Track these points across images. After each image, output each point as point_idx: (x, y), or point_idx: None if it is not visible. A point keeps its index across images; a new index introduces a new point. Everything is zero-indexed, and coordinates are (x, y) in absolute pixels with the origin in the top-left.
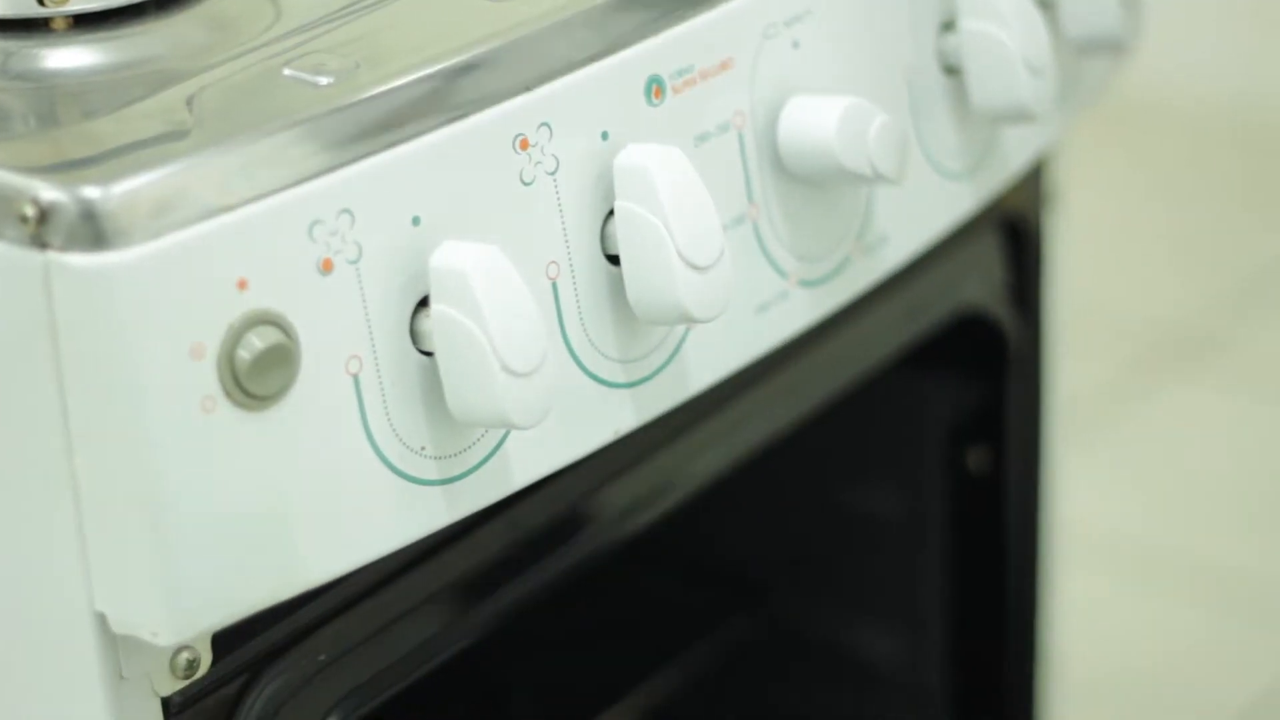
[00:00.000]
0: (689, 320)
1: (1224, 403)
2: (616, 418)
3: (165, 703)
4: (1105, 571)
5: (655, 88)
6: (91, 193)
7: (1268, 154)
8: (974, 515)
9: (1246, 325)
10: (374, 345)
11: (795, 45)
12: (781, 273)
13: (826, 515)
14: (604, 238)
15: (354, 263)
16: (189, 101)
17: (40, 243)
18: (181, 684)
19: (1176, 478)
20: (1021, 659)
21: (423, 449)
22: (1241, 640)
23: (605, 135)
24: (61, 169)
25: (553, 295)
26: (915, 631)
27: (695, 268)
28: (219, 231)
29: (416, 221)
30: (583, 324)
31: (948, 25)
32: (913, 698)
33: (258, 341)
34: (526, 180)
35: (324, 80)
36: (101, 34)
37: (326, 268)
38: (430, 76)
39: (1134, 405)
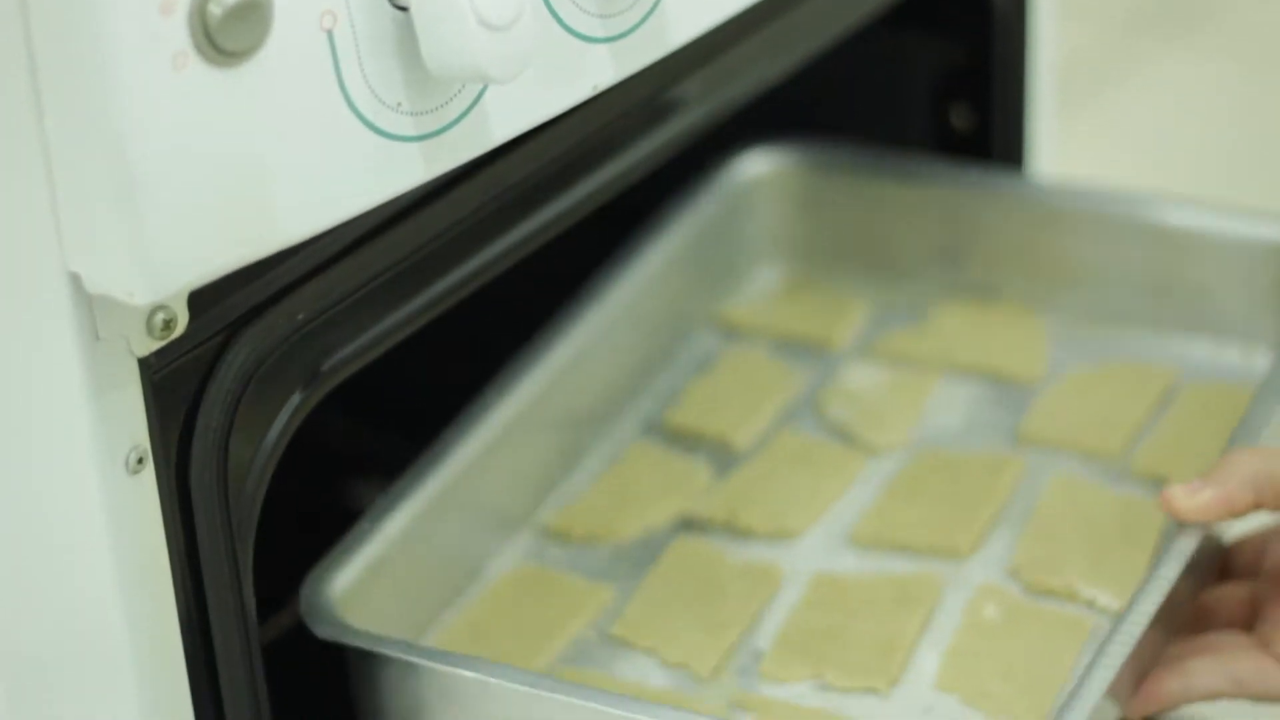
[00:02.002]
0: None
1: (1208, 68)
2: (595, 73)
3: (142, 364)
4: None
5: None
6: None
7: None
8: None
9: None
10: (348, 0)
11: None
12: None
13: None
14: None
15: None
16: None
17: None
18: (158, 344)
19: (1159, 141)
20: None
21: (399, 105)
22: None
23: None
24: None
25: None
26: None
27: None
28: None
29: None
30: None
31: None
32: None
33: None
34: None
35: None
36: None
37: None
38: None
39: (1119, 69)
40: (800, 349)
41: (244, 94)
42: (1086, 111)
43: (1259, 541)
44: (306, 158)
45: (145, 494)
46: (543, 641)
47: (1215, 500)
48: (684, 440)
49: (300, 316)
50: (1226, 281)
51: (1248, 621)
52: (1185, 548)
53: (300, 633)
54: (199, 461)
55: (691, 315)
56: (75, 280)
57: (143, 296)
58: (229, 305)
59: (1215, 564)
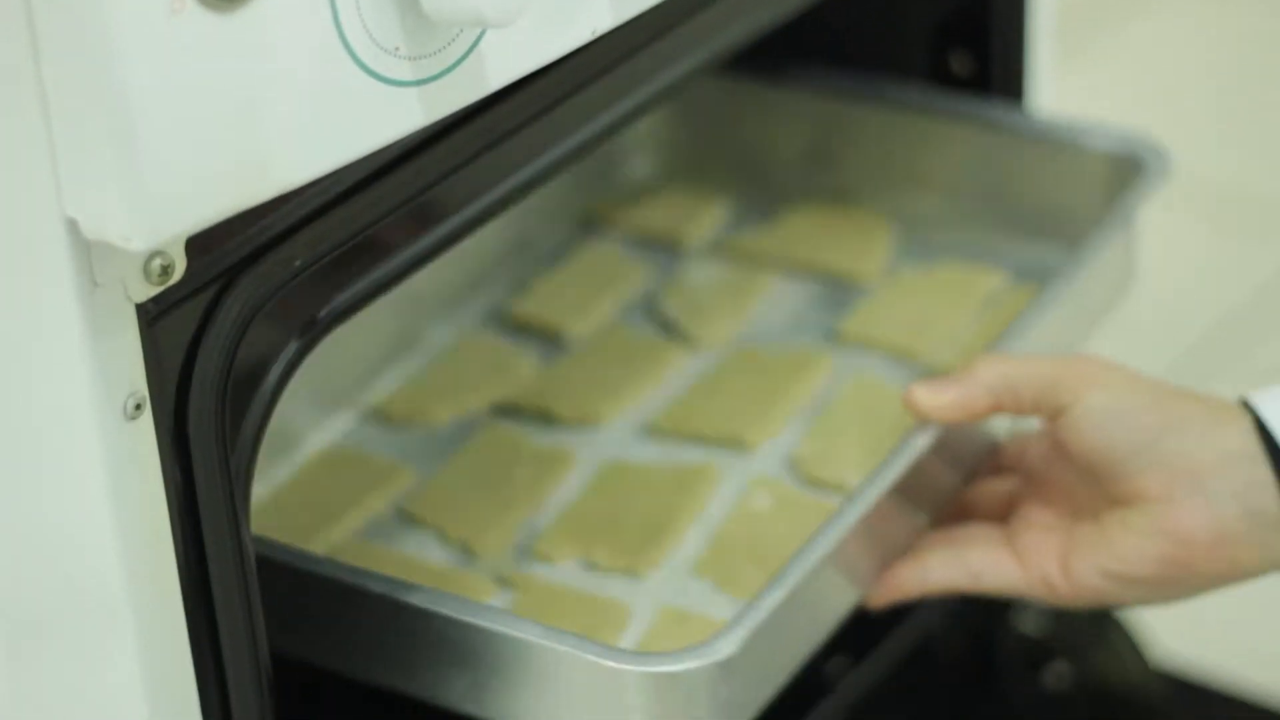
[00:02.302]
0: None
1: (1210, 7)
2: (594, 16)
3: (140, 309)
4: None
5: None
6: None
7: None
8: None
9: None
10: None
11: None
12: None
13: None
14: None
15: None
16: None
17: None
18: (156, 290)
19: (1161, 83)
20: None
21: (396, 49)
22: (1224, 248)
23: None
24: None
25: None
26: None
27: None
28: None
29: None
30: None
31: None
32: None
33: None
34: None
35: None
36: None
37: None
38: None
39: (1120, 11)
40: (654, 245)
41: (240, 38)
42: (1087, 54)
43: (1023, 441)
44: (304, 103)
45: (143, 440)
46: (339, 516)
47: (953, 402)
48: (521, 330)
49: (298, 263)
50: (1063, 189)
51: (1005, 517)
52: (922, 439)
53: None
54: (197, 407)
55: (557, 208)
56: (72, 226)
57: (140, 242)
58: (226, 251)
59: (985, 461)
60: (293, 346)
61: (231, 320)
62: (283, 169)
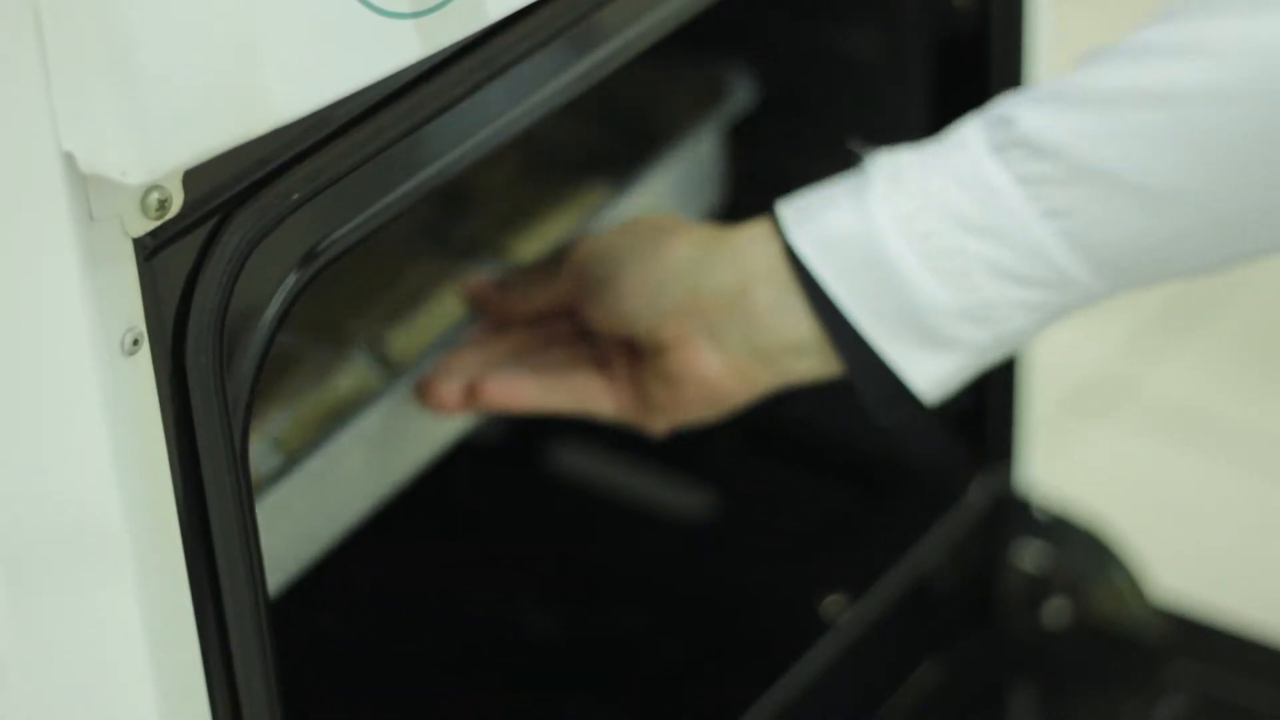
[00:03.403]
0: None
1: None
2: None
3: (137, 244)
4: None
5: None
6: None
7: None
8: (957, 49)
9: None
10: None
11: None
12: None
13: (803, 52)
14: None
15: None
16: None
17: None
18: (153, 224)
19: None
20: None
21: None
22: None
23: None
24: None
25: None
26: None
27: None
28: None
29: None
30: None
31: None
32: None
33: None
34: None
35: None
36: None
37: None
38: None
39: None
40: None
41: None
42: None
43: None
44: (301, 34)
45: (141, 375)
46: None
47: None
48: None
49: (296, 196)
50: (676, 111)
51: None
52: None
53: None
54: (195, 342)
55: None
56: (69, 160)
57: (137, 176)
58: (224, 185)
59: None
60: (291, 280)
61: (229, 254)
62: (280, 101)
